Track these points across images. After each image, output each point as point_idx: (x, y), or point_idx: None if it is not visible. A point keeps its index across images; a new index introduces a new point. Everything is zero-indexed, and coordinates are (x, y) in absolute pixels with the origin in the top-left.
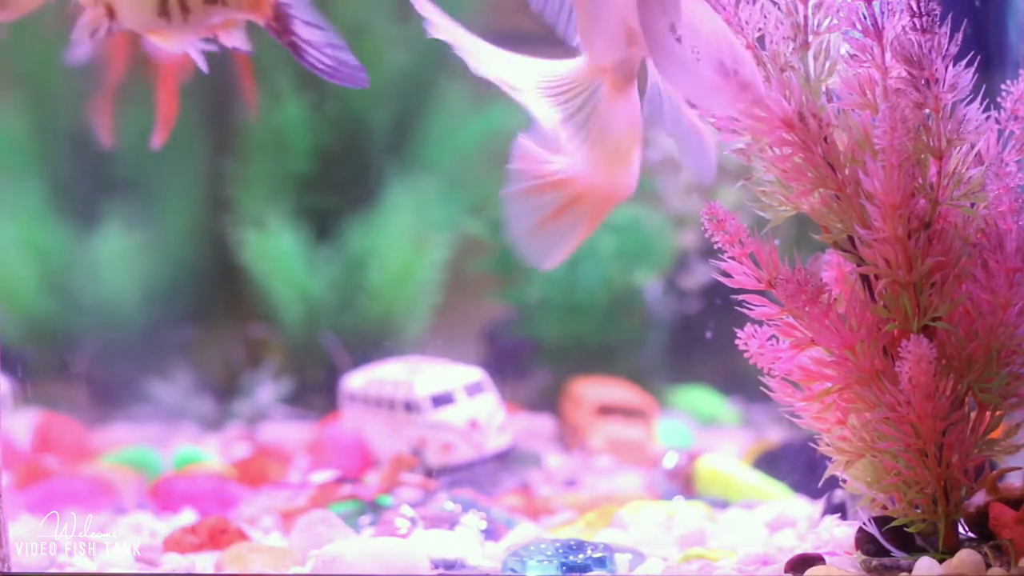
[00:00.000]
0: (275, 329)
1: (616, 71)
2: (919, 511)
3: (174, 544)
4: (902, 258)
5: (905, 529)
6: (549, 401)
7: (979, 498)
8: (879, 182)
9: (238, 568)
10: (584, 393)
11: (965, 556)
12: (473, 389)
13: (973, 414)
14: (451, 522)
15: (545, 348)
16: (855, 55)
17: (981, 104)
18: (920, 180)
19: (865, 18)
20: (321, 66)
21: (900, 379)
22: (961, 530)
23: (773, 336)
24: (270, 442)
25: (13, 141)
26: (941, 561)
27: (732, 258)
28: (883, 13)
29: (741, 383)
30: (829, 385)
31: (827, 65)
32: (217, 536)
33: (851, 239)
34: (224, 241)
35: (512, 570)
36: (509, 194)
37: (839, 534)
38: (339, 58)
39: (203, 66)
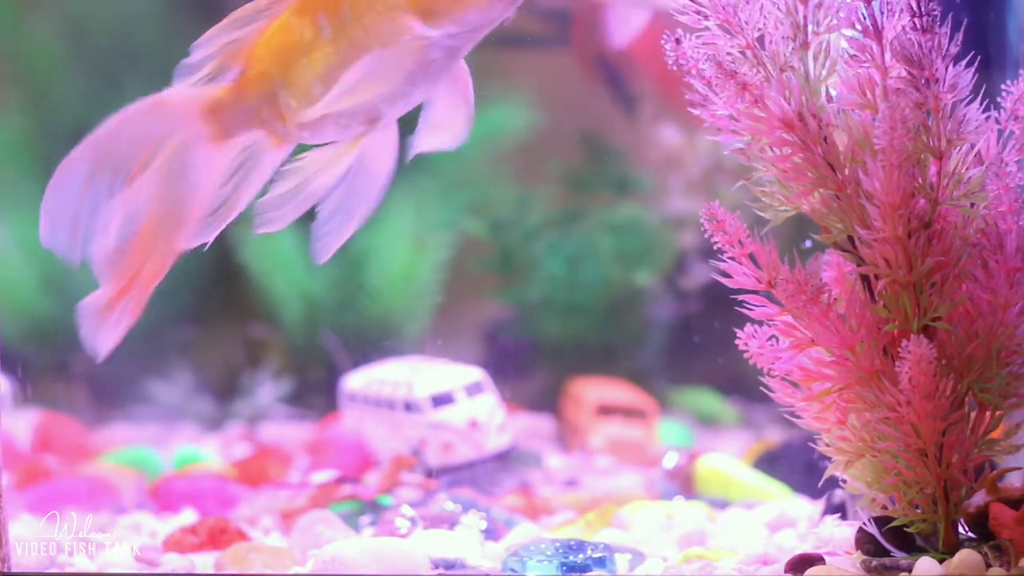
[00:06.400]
0: (275, 329)
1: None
2: (919, 511)
3: (174, 544)
4: (902, 258)
5: (905, 529)
6: (549, 401)
7: (979, 498)
8: (879, 182)
9: (238, 568)
10: (584, 393)
11: (965, 556)
12: (473, 389)
13: (973, 414)
14: (451, 522)
15: (545, 348)
16: (855, 55)
17: (981, 104)
18: (920, 180)
19: (865, 18)
20: None
21: (900, 379)
22: (961, 530)
23: (773, 336)
24: (270, 442)
25: (13, 141)
26: (941, 561)
27: (732, 258)
28: (883, 13)
29: (741, 383)
30: (829, 385)
31: (827, 65)
32: (217, 536)
33: (851, 239)
34: (224, 241)
35: (512, 570)
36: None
37: (839, 534)
38: None
39: None
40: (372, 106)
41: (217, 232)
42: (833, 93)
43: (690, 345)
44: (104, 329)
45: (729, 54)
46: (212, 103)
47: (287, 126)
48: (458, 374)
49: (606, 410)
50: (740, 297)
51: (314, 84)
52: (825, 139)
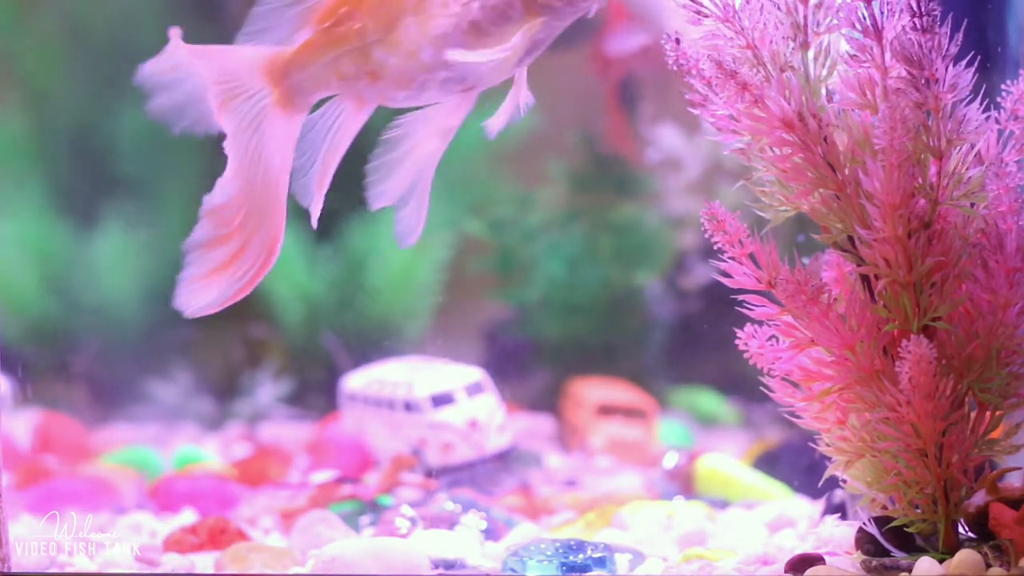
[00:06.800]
0: (275, 329)
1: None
2: (919, 511)
3: (174, 544)
4: (902, 258)
5: (905, 529)
6: (549, 401)
7: (979, 498)
8: (879, 182)
9: (238, 568)
10: (584, 393)
11: (965, 556)
12: (473, 389)
13: (973, 414)
14: (451, 522)
15: (545, 348)
16: (855, 55)
17: (981, 104)
18: (920, 180)
19: (865, 18)
20: None
21: (900, 379)
22: (961, 530)
23: (773, 336)
24: (270, 442)
25: (13, 141)
26: (941, 561)
27: (732, 258)
28: (883, 13)
29: (741, 383)
30: (829, 385)
31: (827, 65)
32: (217, 536)
33: (851, 239)
34: None
35: (512, 570)
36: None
37: (839, 534)
38: None
39: None
40: (480, 74)
41: (320, 205)
42: (835, 94)
43: (690, 345)
44: (196, 294)
45: (729, 54)
46: (282, 62)
47: (378, 85)
48: (458, 374)
49: (606, 410)
50: (740, 297)
51: (425, 46)
52: (825, 139)
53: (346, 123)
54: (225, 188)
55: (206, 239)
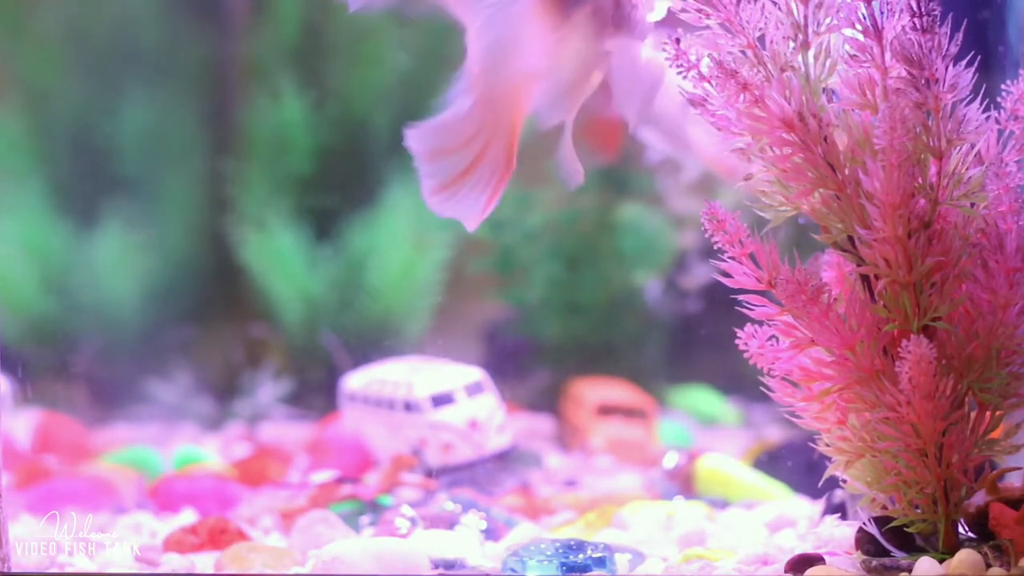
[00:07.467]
0: (275, 329)
1: None
2: (919, 511)
3: (174, 544)
4: (902, 258)
5: (905, 529)
6: (549, 401)
7: (979, 498)
8: (879, 182)
9: (238, 568)
10: (584, 393)
11: (965, 556)
12: (473, 389)
13: (973, 414)
14: (451, 522)
15: (545, 348)
16: (855, 55)
17: (981, 104)
18: (920, 180)
19: (865, 18)
20: None
21: (900, 379)
22: (961, 530)
23: (773, 336)
24: (270, 442)
25: (13, 141)
26: (941, 561)
27: (732, 258)
28: (883, 13)
29: (741, 383)
30: (829, 385)
31: (827, 65)
32: (217, 536)
33: (851, 239)
34: (224, 241)
35: (512, 570)
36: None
37: (839, 534)
38: None
39: None
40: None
41: (562, 116)
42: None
43: (690, 345)
44: (462, 205)
45: (730, 53)
46: None
47: (637, 18)
48: (458, 374)
49: (606, 410)
50: (740, 297)
51: None
52: (825, 139)
53: (601, 47)
54: (465, 93)
55: (436, 148)
